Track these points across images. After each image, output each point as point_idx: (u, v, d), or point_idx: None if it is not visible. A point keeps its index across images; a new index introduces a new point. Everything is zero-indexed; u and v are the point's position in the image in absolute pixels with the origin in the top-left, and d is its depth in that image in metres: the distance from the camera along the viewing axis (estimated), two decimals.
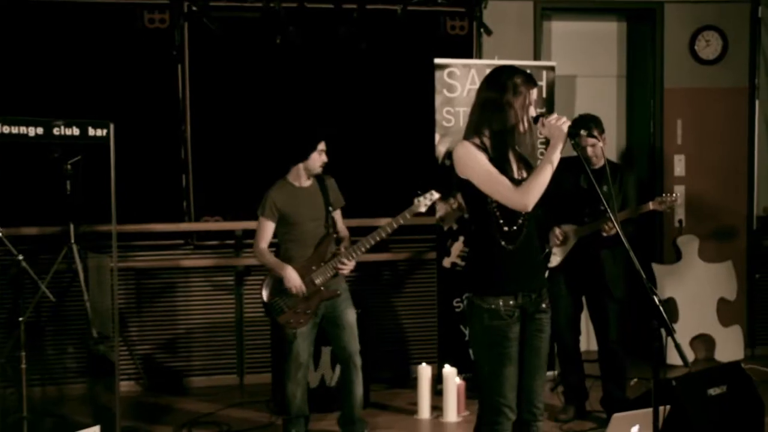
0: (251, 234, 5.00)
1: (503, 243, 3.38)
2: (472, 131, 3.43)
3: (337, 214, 5.01)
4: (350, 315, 4.95)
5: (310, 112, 6.26)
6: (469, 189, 3.39)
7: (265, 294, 4.87)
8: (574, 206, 5.13)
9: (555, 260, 5.24)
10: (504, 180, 3.32)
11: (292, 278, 4.76)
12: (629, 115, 7.27)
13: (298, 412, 4.97)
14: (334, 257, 4.87)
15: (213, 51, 6.25)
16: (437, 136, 5.96)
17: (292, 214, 4.85)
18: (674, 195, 5.02)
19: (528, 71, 3.46)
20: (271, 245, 4.95)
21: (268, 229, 4.89)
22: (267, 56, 6.30)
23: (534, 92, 3.39)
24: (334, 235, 4.95)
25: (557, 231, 5.13)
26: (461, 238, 5.97)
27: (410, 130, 6.41)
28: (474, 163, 3.34)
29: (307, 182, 4.94)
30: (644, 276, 3.03)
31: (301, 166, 4.91)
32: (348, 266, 4.87)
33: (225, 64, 6.28)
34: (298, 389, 4.94)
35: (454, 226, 5.99)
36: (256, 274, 6.22)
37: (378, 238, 4.84)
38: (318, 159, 4.88)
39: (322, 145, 4.88)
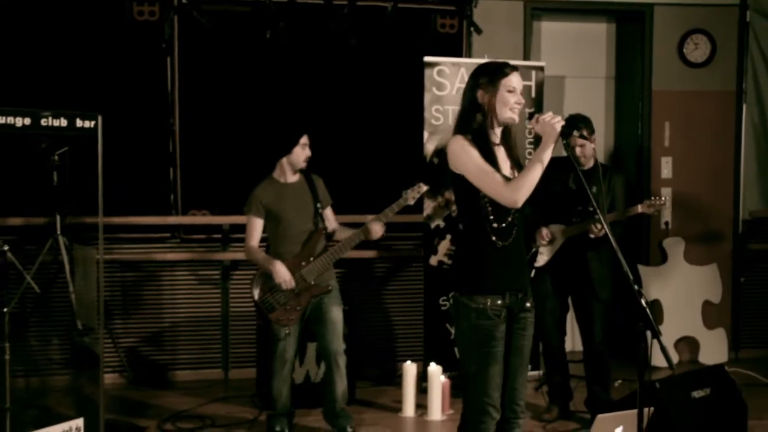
0: (238, 228, 4.99)
1: (494, 238, 3.38)
2: (457, 132, 3.45)
3: (328, 212, 5.00)
4: (335, 313, 4.92)
5: (297, 107, 6.25)
6: (461, 183, 3.40)
7: (255, 292, 4.85)
8: (562, 206, 5.14)
9: (542, 260, 5.25)
10: (496, 175, 3.33)
11: (281, 272, 4.75)
12: (617, 117, 7.28)
13: (283, 409, 4.97)
14: (325, 252, 4.86)
15: (202, 45, 6.23)
16: (426, 134, 5.96)
17: (278, 210, 4.84)
18: (663, 198, 5.02)
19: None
20: (263, 243, 4.94)
21: (256, 226, 4.88)
22: (256, 51, 6.28)
23: (513, 78, 3.38)
24: (324, 231, 4.93)
25: (544, 231, 5.13)
26: (448, 237, 5.97)
27: (399, 128, 6.41)
28: (466, 158, 3.35)
29: (293, 178, 4.93)
30: (632, 278, 3.04)
31: (284, 160, 4.90)
32: (377, 231, 4.82)
33: (214, 58, 6.26)
34: (284, 386, 4.93)
35: (441, 224, 5.99)
36: (243, 268, 6.22)
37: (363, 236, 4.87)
38: (301, 153, 4.87)
39: (304, 139, 4.87)
